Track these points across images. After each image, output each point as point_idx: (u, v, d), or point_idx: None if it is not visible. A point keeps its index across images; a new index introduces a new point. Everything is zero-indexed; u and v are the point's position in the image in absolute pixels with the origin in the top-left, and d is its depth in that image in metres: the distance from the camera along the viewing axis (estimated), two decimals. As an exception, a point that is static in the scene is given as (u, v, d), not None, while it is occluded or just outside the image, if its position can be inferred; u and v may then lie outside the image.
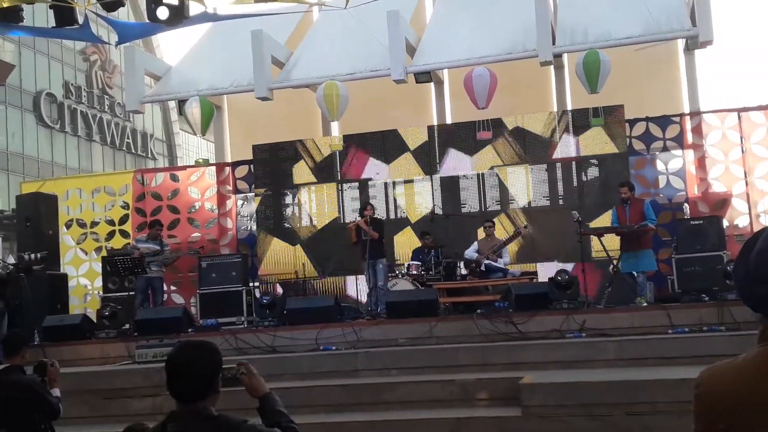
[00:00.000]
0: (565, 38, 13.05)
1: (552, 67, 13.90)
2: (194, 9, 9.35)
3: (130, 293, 12.21)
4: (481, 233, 12.40)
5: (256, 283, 13.29)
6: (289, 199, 14.25)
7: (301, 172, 14.18)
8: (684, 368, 7.43)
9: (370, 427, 7.56)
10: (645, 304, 10.12)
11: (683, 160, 13.04)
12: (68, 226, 14.87)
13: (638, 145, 13.05)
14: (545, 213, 13.14)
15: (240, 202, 15.08)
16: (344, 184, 14.06)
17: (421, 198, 13.72)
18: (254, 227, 14.62)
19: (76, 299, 14.36)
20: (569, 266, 11.40)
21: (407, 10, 14.59)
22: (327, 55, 14.35)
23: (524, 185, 13.31)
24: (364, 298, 12.35)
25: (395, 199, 13.82)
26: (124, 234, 14.52)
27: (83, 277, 14.74)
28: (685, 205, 12.85)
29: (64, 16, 9.24)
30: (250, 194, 14.71)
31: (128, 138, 40.67)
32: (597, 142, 13.04)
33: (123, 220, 14.77)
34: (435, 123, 14.66)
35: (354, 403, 8.03)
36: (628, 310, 9.85)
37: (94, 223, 15.08)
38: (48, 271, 12.02)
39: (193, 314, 12.04)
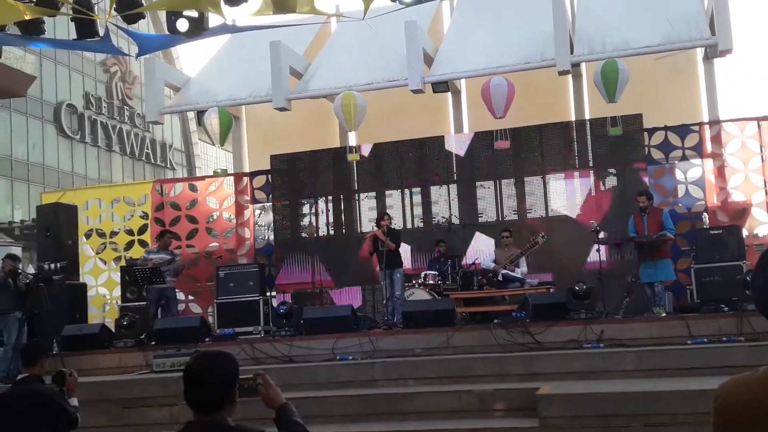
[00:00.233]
0: (583, 47, 13.02)
1: (570, 76, 13.87)
2: (213, 21, 9.40)
3: (149, 303, 12.28)
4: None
5: (273, 293, 13.31)
6: (306, 209, 14.30)
7: (319, 182, 14.22)
8: (703, 379, 7.38)
9: (386, 438, 7.55)
10: (663, 314, 10.06)
11: (702, 169, 12.96)
12: (88, 236, 14.98)
13: (657, 154, 12.98)
14: (563, 223, 13.09)
15: (258, 212, 15.14)
16: (361, 194, 14.08)
17: (438, 207, 13.72)
18: (272, 237, 14.67)
19: (95, 309, 14.46)
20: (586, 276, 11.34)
21: (425, 20, 14.62)
22: (345, 65, 14.41)
23: (541, 195, 13.27)
24: (380, 308, 12.34)
25: (412, 209, 13.82)
26: (143, 244, 14.61)
27: (102, 287, 14.84)
28: (705, 214, 12.76)
29: (85, 28, 9.33)
30: (268, 204, 14.76)
31: (147, 148, 40.98)
32: (615, 151, 12.99)
33: (142, 230, 14.87)
34: (452, 133, 14.66)
35: (371, 413, 8.02)
36: (646, 320, 9.79)
37: (113, 233, 15.20)
38: (67, 280, 12.12)
39: (211, 324, 12.09)
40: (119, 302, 13.46)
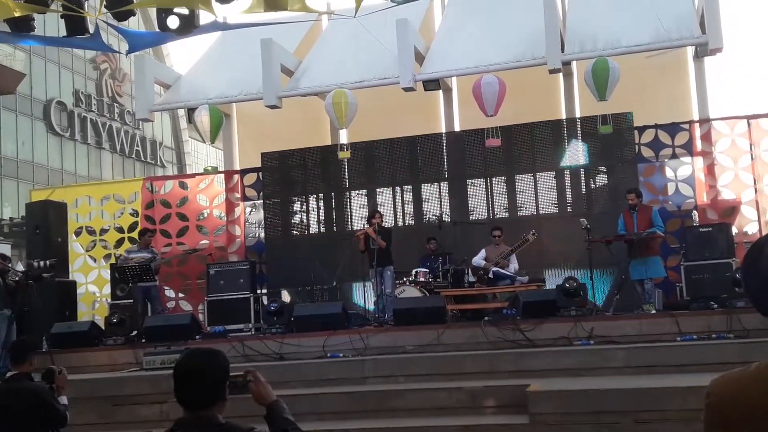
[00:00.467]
0: (574, 46, 13.04)
1: (561, 74, 13.89)
2: (204, 18, 9.37)
3: (134, 301, 12.18)
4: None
5: (264, 291, 13.30)
6: (297, 207, 14.28)
7: (310, 179, 14.21)
8: (692, 376, 7.42)
9: (377, 435, 7.55)
10: (653, 312, 10.10)
11: (692, 168, 13.00)
12: (77, 233, 14.93)
13: (647, 153, 13.02)
14: (553, 220, 13.13)
15: (248, 210, 15.12)
16: (352, 192, 14.07)
17: (428, 205, 13.74)
18: (262, 234, 14.65)
19: (84, 306, 14.40)
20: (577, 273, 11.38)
21: (416, 18, 14.61)
22: (336, 63, 14.39)
23: (532, 193, 13.30)
24: (371, 306, 12.35)
25: (403, 206, 13.83)
26: (133, 241, 14.54)
27: (92, 285, 14.79)
28: (694, 212, 12.81)
29: (75, 25, 9.28)
30: (259, 202, 14.74)
31: (138, 146, 40.88)
32: (605, 149, 13.02)
33: (132, 227, 14.81)
34: (443, 131, 14.67)
35: (361, 410, 8.03)
36: (636, 317, 9.82)
37: (103, 231, 15.14)
38: (57, 278, 12.08)
39: (201, 321, 12.06)
40: (109, 300, 13.42)
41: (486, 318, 10.18)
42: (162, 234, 14.54)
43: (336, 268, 13.31)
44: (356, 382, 8.83)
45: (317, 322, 10.41)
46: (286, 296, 13.64)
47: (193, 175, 16.63)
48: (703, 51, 13.08)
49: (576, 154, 13.22)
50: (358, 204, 14.04)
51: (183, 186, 15.30)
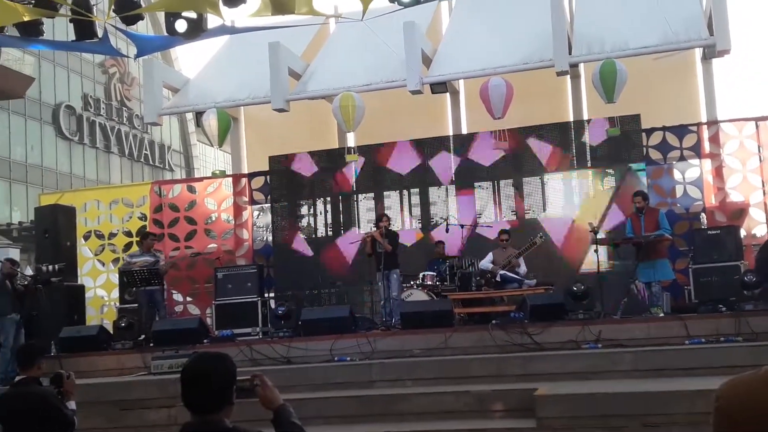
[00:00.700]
0: (581, 48, 13.02)
1: (568, 76, 13.88)
2: (212, 22, 9.41)
3: (139, 306, 12.18)
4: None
5: (272, 294, 13.31)
6: (304, 210, 14.30)
7: (318, 182, 14.22)
8: (701, 379, 7.40)
9: (385, 439, 7.55)
10: (661, 315, 10.07)
11: (700, 170, 12.96)
12: (86, 237, 14.97)
13: (655, 155, 12.98)
14: (561, 223, 13.09)
15: (256, 213, 15.14)
16: (359, 195, 14.08)
17: (436, 208, 13.73)
18: (270, 238, 14.66)
19: (93, 310, 14.44)
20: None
21: (424, 21, 14.62)
22: (343, 66, 14.41)
23: (540, 195, 13.28)
24: (378, 309, 12.35)
25: (410, 210, 13.83)
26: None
27: (100, 289, 14.83)
28: (702, 214, 12.76)
29: (84, 29, 9.32)
30: (266, 205, 14.75)
31: (146, 150, 40.98)
32: (613, 151, 12.99)
33: (140, 231, 14.85)
34: (451, 133, 14.66)
35: (368, 414, 8.03)
36: (644, 320, 9.80)
37: (111, 235, 15.18)
38: (65, 282, 12.11)
39: (209, 325, 12.08)
40: (117, 304, 13.45)
41: (493, 321, 10.16)
42: (170, 238, 14.58)
43: (343, 271, 13.31)
44: (363, 386, 8.83)
45: (325, 326, 10.41)
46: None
47: (201, 179, 16.67)
48: (710, 53, 13.05)
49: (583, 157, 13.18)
50: (365, 207, 14.04)
51: (191, 190, 15.34)
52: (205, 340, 10.96)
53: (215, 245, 14.82)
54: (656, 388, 7.33)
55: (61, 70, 35.76)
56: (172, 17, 9.16)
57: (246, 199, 14.71)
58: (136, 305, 12.33)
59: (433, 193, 13.79)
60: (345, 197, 14.14)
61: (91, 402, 8.27)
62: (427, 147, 13.86)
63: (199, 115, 14.31)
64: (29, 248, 23.34)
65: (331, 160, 14.28)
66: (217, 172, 16.54)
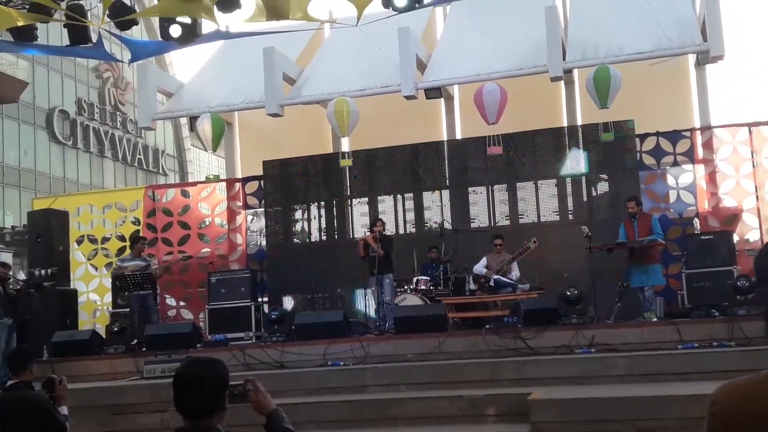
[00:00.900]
0: (575, 54, 13.05)
1: (562, 82, 13.90)
2: (207, 27, 9.42)
3: (131, 310, 12.13)
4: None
5: (265, 299, 13.29)
6: (298, 215, 14.29)
7: (311, 187, 14.22)
8: (694, 384, 7.41)
9: (378, 444, 7.54)
10: (654, 320, 10.09)
11: (694, 175, 13.00)
12: (79, 242, 14.94)
13: (648, 160, 13.02)
14: (555, 228, 13.12)
15: (250, 218, 15.12)
16: (353, 200, 14.08)
17: (430, 213, 13.74)
18: (264, 243, 14.64)
19: (85, 315, 14.40)
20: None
21: (418, 26, 14.63)
22: (338, 71, 14.42)
23: (533, 200, 13.30)
24: (372, 314, 12.35)
25: (405, 214, 13.84)
26: (135, 250, 14.56)
27: (93, 293, 14.80)
28: (696, 219, 12.80)
29: (78, 34, 9.32)
30: (260, 210, 14.74)
31: (140, 154, 40.95)
32: (607, 157, 13.02)
33: (132, 235, 14.81)
34: (445, 138, 14.68)
35: (362, 419, 8.02)
36: (637, 325, 9.82)
37: (105, 239, 15.15)
38: (58, 286, 12.08)
39: (202, 330, 12.05)
40: (110, 308, 13.41)
41: (487, 326, 10.17)
42: (164, 242, 14.55)
43: (337, 275, 13.29)
44: (357, 391, 8.82)
45: (318, 331, 10.40)
46: (288, 302, 13.63)
47: (194, 184, 16.65)
48: (704, 59, 13.09)
49: (576, 162, 13.21)
50: (359, 212, 14.04)
51: (185, 194, 15.31)
52: (198, 345, 10.93)
53: (209, 250, 14.80)
54: (649, 393, 7.35)
55: (55, 75, 35.73)
56: (166, 22, 9.16)
57: (240, 203, 14.70)
58: (129, 310, 12.30)
59: (427, 197, 13.80)
60: (339, 202, 14.13)
61: (83, 406, 8.25)
62: (422, 152, 13.87)
63: (193, 119, 14.29)
64: (22, 252, 23.27)
65: (325, 165, 14.28)
66: (211, 176, 16.51)
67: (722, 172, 12.95)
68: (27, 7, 8.95)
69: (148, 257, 12.62)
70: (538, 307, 10.31)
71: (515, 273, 11.81)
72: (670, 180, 13.12)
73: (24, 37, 9.31)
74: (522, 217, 13.33)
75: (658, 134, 12.97)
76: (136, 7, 9.46)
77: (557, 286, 11.10)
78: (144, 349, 10.89)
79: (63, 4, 8.99)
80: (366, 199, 14.08)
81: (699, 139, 12.99)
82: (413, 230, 13.78)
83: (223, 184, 15.15)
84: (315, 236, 14.21)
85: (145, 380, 9.45)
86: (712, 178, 12.92)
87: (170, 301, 14.66)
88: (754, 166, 12.80)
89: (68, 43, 9.57)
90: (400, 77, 13.31)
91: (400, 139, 14.13)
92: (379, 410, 8.11)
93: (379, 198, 13.99)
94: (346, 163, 13.75)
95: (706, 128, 13.22)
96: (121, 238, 14.92)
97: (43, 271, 11.09)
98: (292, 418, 3.15)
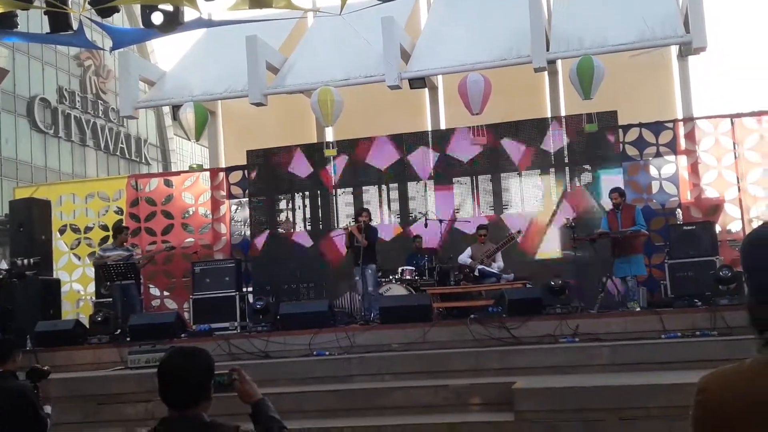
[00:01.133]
0: (559, 44, 13.08)
1: (546, 73, 13.93)
2: (189, 15, 9.36)
3: (114, 300, 12.06)
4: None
5: (250, 289, 13.27)
6: (283, 205, 14.25)
7: (295, 177, 14.17)
8: (677, 373, 7.46)
9: (363, 433, 7.55)
10: (638, 309, 10.15)
11: (676, 166, 13.07)
12: (62, 231, 14.84)
13: (631, 151, 13.07)
14: (538, 218, 13.15)
15: (234, 208, 15.06)
16: (338, 190, 14.06)
17: (414, 203, 13.75)
18: (248, 232, 14.60)
19: (68, 305, 14.32)
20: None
21: (402, 16, 14.61)
22: (321, 60, 14.37)
23: (518, 191, 13.33)
24: (357, 304, 12.36)
25: (389, 204, 13.83)
26: (119, 240, 14.47)
27: (76, 283, 14.71)
28: (678, 210, 12.88)
29: (59, 21, 9.24)
30: (244, 199, 14.69)
31: (122, 143, 40.64)
32: (590, 147, 13.06)
33: (115, 225, 14.73)
34: (429, 128, 14.68)
35: (347, 408, 8.03)
36: (621, 315, 9.88)
37: (87, 229, 15.05)
38: (41, 276, 12.01)
39: (186, 319, 12.02)
40: (93, 298, 13.35)
41: (472, 316, 10.20)
42: (147, 232, 14.48)
43: (322, 265, 13.28)
44: (342, 380, 8.83)
45: (303, 320, 10.40)
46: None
47: (178, 173, 16.55)
48: (687, 50, 13.16)
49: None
50: (344, 202, 14.02)
51: (168, 184, 15.23)
52: (182, 335, 10.90)
53: (192, 239, 14.74)
54: (633, 382, 7.40)
55: (35, 63, 35.37)
56: (148, 9, 9.10)
57: (224, 193, 14.64)
58: (111, 300, 12.24)
59: (412, 188, 13.80)
60: (324, 192, 14.11)
61: (67, 396, 8.22)
62: (406, 142, 13.86)
63: (175, 108, 14.20)
64: (4, 242, 23.03)
65: (309, 154, 14.24)
66: (195, 166, 16.42)
67: (704, 163, 13.03)
68: (7, -6, 8.84)
69: (131, 247, 12.55)
70: (522, 297, 10.37)
71: (499, 263, 11.86)
72: (653, 171, 13.18)
73: (4, 24, 9.22)
74: (506, 208, 13.36)
75: (640, 125, 13.02)
76: (119, -5, 9.37)
77: (541, 277, 11.15)
78: (128, 338, 10.85)
79: (44, -8, 8.90)
80: (350, 190, 14.05)
81: (681, 131, 13.06)
82: (398, 220, 13.77)
83: (207, 173, 15.08)
84: (299, 226, 14.17)
85: (130, 370, 9.43)
86: (694, 169, 13.00)
87: (154, 291, 14.60)
88: (736, 157, 12.88)
89: (49, 30, 9.48)
90: (384, 67, 13.29)
91: (384, 129, 14.11)
92: (364, 400, 8.13)
93: (363, 188, 13.95)
94: (330, 152, 13.72)
95: (689, 119, 13.29)
96: (104, 228, 14.83)
97: (25, 261, 11.02)
98: (277, 407, 3.14)
